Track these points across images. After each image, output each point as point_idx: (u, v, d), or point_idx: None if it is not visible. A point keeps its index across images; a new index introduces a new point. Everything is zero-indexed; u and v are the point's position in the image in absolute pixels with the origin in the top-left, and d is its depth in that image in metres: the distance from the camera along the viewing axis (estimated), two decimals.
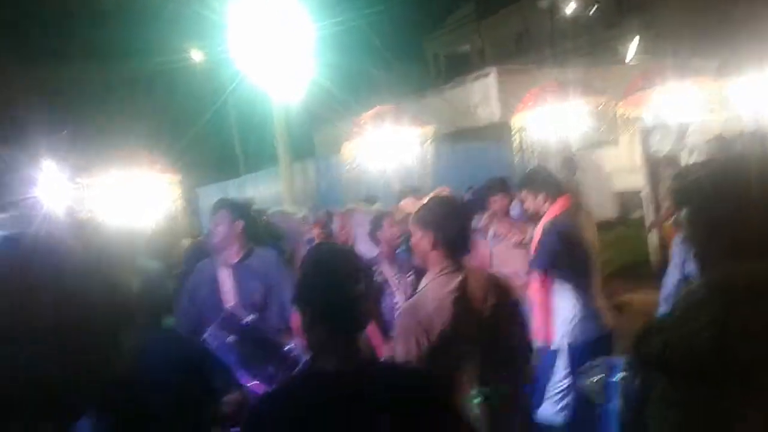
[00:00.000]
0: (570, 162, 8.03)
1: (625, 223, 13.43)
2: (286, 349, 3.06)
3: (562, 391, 4.11)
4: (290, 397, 1.82)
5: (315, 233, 6.00)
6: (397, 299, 4.79)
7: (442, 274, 2.66)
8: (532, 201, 4.35)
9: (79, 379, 1.19)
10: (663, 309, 4.13)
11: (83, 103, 19.12)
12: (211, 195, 16.91)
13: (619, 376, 3.25)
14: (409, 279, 4.88)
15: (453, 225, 2.72)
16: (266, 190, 14.31)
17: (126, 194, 7.93)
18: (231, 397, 2.88)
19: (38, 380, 1.13)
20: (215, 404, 2.74)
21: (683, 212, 1.56)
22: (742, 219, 1.39)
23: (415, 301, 2.73)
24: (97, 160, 8.41)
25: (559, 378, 4.15)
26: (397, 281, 4.85)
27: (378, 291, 4.27)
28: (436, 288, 2.65)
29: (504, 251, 5.16)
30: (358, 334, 1.86)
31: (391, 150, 8.46)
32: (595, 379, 3.36)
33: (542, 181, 4.38)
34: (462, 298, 2.61)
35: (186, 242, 7.78)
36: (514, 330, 2.81)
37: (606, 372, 3.36)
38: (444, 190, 4.55)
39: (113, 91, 20.56)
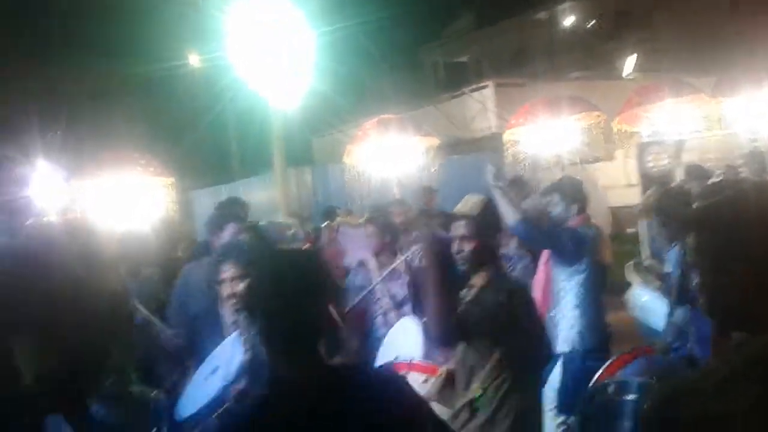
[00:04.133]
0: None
1: (619, 239, 13.41)
2: None
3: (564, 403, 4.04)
4: (260, 412, 1.81)
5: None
6: (384, 305, 4.80)
7: None
8: (562, 208, 4.43)
9: (75, 375, 1.25)
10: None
11: (78, 103, 19.03)
12: (204, 199, 16.85)
13: (632, 397, 3.21)
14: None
15: None
16: (260, 196, 14.24)
17: (119, 197, 7.87)
18: None
19: (38, 374, 1.20)
20: None
21: (691, 240, 1.44)
22: (760, 250, 1.30)
23: None
24: (91, 161, 8.35)
25: (557, 387, 4.09)
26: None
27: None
28: None
29: None
30: (317, 342, 1.84)
31: (395, 159, 8.45)
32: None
33: (577, 191, 4.51)
34: None
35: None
36: None
37: (618, 391, 3.31)
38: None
39: (110, 92, 20.50)
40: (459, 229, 2.96)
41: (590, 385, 3.52)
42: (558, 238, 4.24)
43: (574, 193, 4.50)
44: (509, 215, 4.16)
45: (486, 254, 2.94)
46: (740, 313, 1.37)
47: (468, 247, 2.91)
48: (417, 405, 1.94)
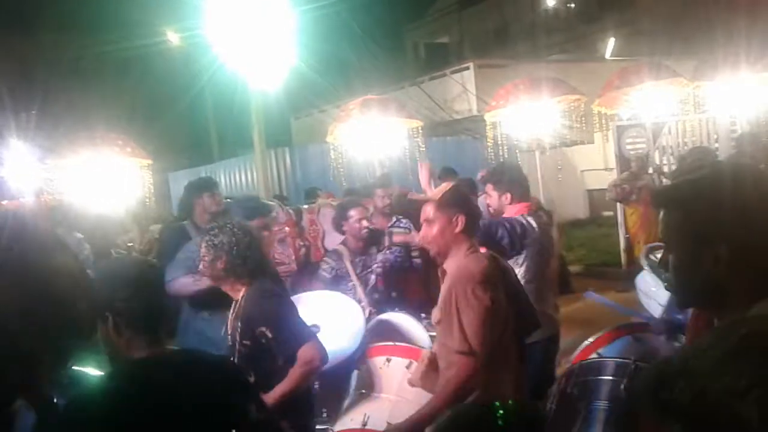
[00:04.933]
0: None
1: (596, 222, 13.50)
2: None
3: None
4: (105, 394, 1.83)
5: (287, 231, 5.98)
6: (358, 292, 4.80)
7: None
8: (496, 199, 4.24)
9: (35, 359, 1.24)
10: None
11: (53, 81, 18.68)
12: (182, 181, 16.71)
13: (608, 377, 3.25)
14: (373, 272, 4.92)
15: None
16: (240, 178, 14.15)
17: (95, 177, 7.74)
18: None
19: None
20: None
21: (664, 215, 1.46)
22: (742, 227, 1.30)
23: None
24: (66, 141, 8.20)
25: None
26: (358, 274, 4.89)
27: None
28: None
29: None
30: (162, 332, 2.15)
31: (378, 140, 8.36)
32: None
33: (509, 180, 4.27)
34: None
35: (155, 228, 7.68)
36: None
37: (595, 372, 3.34)
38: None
39: (86, 71, 20.16)
40: (422, 214, 2.92)
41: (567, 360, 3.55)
42: (489, 232, 3.88)
43: (507, 181, 4.23)
44: None
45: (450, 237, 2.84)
46: (701, 291, 1.39)
47: (430, 231, 2.85)
48: (243, 392, 2.01)
